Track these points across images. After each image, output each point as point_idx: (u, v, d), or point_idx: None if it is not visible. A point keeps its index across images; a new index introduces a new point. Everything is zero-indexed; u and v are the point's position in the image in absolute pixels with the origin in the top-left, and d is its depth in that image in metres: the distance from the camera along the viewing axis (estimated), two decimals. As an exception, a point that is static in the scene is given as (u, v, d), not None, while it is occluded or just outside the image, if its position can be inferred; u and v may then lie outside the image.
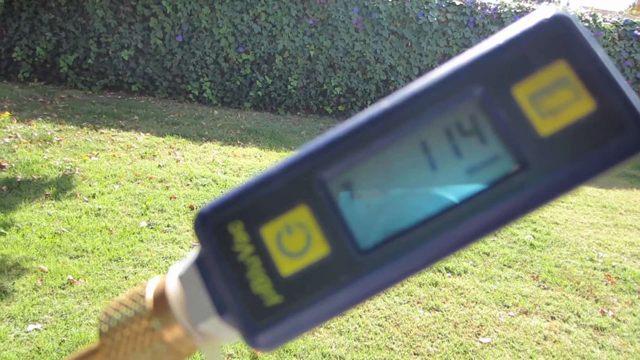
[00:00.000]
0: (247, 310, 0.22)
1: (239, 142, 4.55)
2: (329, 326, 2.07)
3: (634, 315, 2.42)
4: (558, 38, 0.21)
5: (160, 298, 0.25)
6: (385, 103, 0.23)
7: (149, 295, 0.25)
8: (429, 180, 0.22)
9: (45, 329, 1.87)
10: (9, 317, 1.90)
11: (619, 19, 6.25)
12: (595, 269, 2.87)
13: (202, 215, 0.24)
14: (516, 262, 2.84)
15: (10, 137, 3.69)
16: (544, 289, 2.59)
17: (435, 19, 5.86)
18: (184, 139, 4.32)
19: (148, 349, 0.25)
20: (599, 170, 0.21)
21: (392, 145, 0.23)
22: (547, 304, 2.44)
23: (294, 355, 1.88)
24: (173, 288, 0.25)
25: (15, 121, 4.05)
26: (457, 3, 5.89)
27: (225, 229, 0.23)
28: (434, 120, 0.22)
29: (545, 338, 2.18)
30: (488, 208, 0.21)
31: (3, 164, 3.17)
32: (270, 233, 0.23)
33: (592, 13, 6.25)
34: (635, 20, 6.19)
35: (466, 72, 0.22)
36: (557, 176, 0.21)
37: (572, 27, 0.21)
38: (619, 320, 2.37)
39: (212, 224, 0.23)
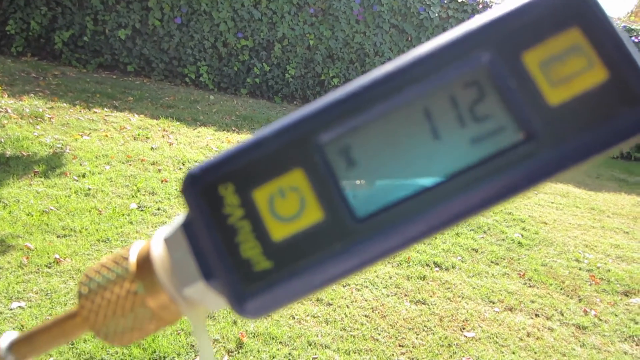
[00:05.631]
0: (235, 275, 0.21)
1: (233, 128, 4.52)
2: (315, 315, 2.08)
3: (616, 315, 2.46)
4: (572, 4, 0.20)
5: (144, 261, 0.24)
6: (388, 66, 0.22)
7: (132, 258, 0.24)
8: (431, 149, 0.21)
9: (30, 307, 1.85)
10: (-6, 292, 1.89)
11: (617, 24, 6.27)
12: (580, 269, 2.90)
13: (191, 175, 0.23)
14: (504, 259, 2.87)
15: (0, 111, 3.63)
16: (530, 286, 2.62)
17: (437, 14, 5.84)
18: (178, 123, 4.28)
19: (129, 314, 0.24)
20: (609, 143, 0.20)
21: (394, 111, 0.22)
22: (532, 302, 2.47)
23: (280, 342, 1.88)
24: (158, 251, 0.24)
25: (6, 95, 3.99)
26: (459, 0, 5.87)
27: (216, 191, 0.22)
28: (439, 87, 0.21)
29: (528, 334, 2.21)
30: (491, 179, 0.20)
31: (-8, 139, 3.13)
32: (262, 196, 0.22)
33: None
34: (633, 27, 6.21)
35: (475, 37, 0.21)
36: (566, 148, 0.20)
37: None
38: (600, 319, 2.41)
39: (201, 185, 0.22)
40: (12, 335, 0.26)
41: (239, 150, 0.23)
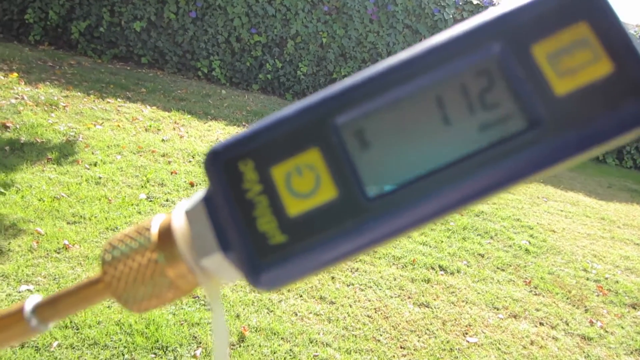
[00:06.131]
0: (251, 247, 0.23)
1: (244, 123, 4.54)
2: (318, 312, 2.08)
3: (622, 327, 2.43)
4: (582, 0, 0.21)
5: (166, 232, 0.25)
6: (404, 54, 0.23)
7: (154, 230, 0.26)
8: (441, 134, 0.22)
9: (38, 290, 1.88)
10: (3, 276, 1.92)
11: (635, 31, 6.19)
12: (588, 279, 2.87)
13: (213, 152, 0.24)
14: (510, 266, 2.85)
15: (16, 98, 3.68)
16: (535, 294, 2.60)
17: (451, 16, 5.80)
18: (189, 116, 4.31)
19: (149, 281, 0.25)
20: (612, 134, 0.20)
21: (407, 97, 0.23)
22: (537, 310, 2.45)
23: (282, 338, 1.89)
24: (179, 224, 0.25)
25: (23, 83, 4.04)
26: (474, 2, 5.83)
27: (236, 167, 0.23)
28: (451, 75, 0.22)
29: (532, 343, 2.19)
30: (497, 164, 0.21)
31: (7, 125, 3.17)
32: (280, 173, 0.23)
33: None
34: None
35: (487, 29, 0.22)
36: (570, 136, 0.21)
37: None
38: (606, 331, 2.38)
39: (222, 161, 0.24)
40: (36, 298, 0.27)
41: (259, 128, 0.24)
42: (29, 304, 0.27)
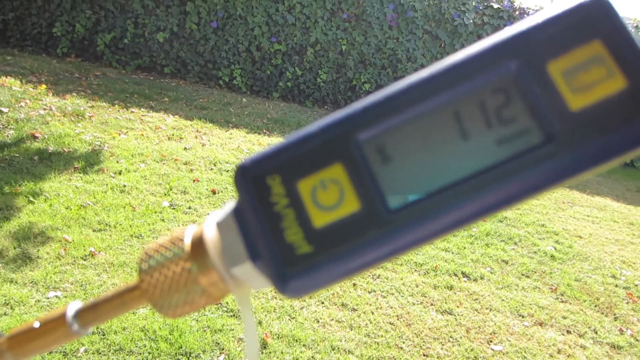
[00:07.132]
0: (279, 257, 0.24)
1: (265, 131, 4.58)
2: (339, 319, 2.07)
3: (655, 337, 2.35)
4: (596, 19, 0.22)
5: (198, 243, 0.27)
6: (423, 72, 0.24)
7: (187, 240, 0.27)
8: (459, 149, 0.23)
9: (65, 296, 1.93)
10: (32, 282, 1.97)
11: (633, 24, 6.05)
12: (616, 286, 2.79)
13: (242, 167, 0.25)
14: (535, 272, 2.79)
15: (45, 109, 3.80)
16: (562, 302, 2.54)
17: (472, 21, 5.75)
18: (211, 124, 4.37)
19: (183, 289, 0.27)
20: (626, 147, 0.21)
21: (427, 114, 0.24)
22: (564, 318, 2.39)
23: (304, 345, 1.89)
24: (210, 235, 0.27)
25: (51, 94, 4.17)
26: (495, 6, 5.77)
27: (264, 181, 0.25)
28: (470, 92, 0.23)
29: (559, 351, 2.14)
30: (514, 177, 0.22)
31: (36, 135, 3.28)
32: (305, 187, 0.24)
33: (635, 24, 6.07)
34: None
35: (504, 48, 0.23)
36: (585, 150, 0.21)
37: (610, 10, 0.22)
38: (637, 340, 2.30)
39: (251, 176, 0.25)
40: (77, 304, 0.29)
41: (285, 145, 0.25)
42: (70, 309, 0.29)
